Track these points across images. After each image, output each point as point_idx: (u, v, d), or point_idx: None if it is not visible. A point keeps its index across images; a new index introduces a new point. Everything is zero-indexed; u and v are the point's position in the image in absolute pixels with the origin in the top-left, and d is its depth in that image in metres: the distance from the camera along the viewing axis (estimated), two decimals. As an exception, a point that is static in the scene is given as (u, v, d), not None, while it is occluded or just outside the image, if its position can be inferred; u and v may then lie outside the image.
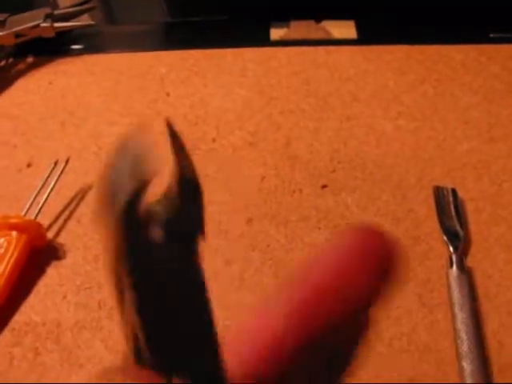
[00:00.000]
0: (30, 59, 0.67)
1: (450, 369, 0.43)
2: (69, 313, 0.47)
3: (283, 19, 0.69)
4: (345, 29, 0.67)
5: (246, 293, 0.47)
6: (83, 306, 0.47)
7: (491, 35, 0.66)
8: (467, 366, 0.42)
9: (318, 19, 0.69)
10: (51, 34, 0.66)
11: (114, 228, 0.16)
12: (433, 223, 0.51)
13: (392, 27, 0.68)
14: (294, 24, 0.68)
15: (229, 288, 0.48)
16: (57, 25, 0.65)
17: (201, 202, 0.19)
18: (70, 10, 0.68)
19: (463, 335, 0.44)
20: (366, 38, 0.67)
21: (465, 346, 0.43)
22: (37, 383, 0.44)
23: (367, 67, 0.63)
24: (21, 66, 0.66)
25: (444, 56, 0.64)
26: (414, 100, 0.60)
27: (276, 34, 0.67)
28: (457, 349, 0.44)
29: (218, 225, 0.51)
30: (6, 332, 0.46)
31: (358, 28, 0.67)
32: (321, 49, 0.65)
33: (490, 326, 0.45)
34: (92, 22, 0.67)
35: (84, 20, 0.68)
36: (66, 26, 0.66)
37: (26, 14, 0.65)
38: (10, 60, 0.67)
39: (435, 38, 0.66)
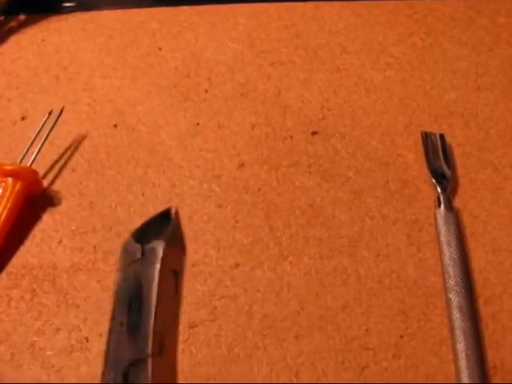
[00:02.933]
0: (22, 17, 0.67)
1: (437, 301, 0.44)
2: (65, 256, 0.48)
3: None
4: (334, -16, 0.68)
5: (238, 233, 0.49)
6: (79, 249, 0.48)
7: (479, -11, 0.67)
8: (454, 298, 0.44)
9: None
10: (43, -9, 0.66)
11: None
12: (421, 167, 0.52)
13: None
14: (284, -20, 0.69)
15: (223, 229, 0.49)
16: (49, -19, 0.66)
17: None
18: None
19: (450, 270, 0.45)
20: (355, -7, 0.67)
21: (452, 279, 0.44)
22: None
23: (356, 21, 0.64)
24: (13, 24, 0.66)
25: (433, 10, 0.65)
26: (402, 52, 0.61)
27: (266, -11, 0.68)
28: (444, 283, 0.45)
29: (212, 170, 0.52)
30: (4, 275, 0.47)
31: (348, -17, 0.68)
32: (310, 4, 0.66)
33: (477, 263, 0.46)
34: (84, -21, 0.68)
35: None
36: (57, -17, 0.67)
37: (18, -29, 0.65)
38: (2, 18, 0.67)
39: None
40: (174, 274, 0.46)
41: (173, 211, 0.49)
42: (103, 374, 0.39)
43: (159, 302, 0.43)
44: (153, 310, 0.42)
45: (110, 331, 0.42)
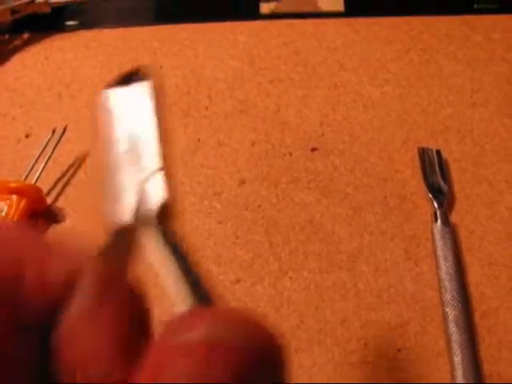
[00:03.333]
0: (26, 35, 0.68)
1: (434, 315, 0.45)
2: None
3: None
4: (332, 2, 0.69)
5: (239, 249, 0.49)
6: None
7: (475, 6, 0.68)
8: (450, 311, 0.44)
9: (307, -7, 0.70)
10: (47, 10, 0.67)
11: None
12: (418, 183, 0.53)
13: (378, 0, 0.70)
14: (283, -2, 0.70)
15: (223, 245, 0.50)
16: (52, 0, 0.67)
17: None
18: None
19: (447, 284, 0.46)
20: (353, 10, 0.68)
21: (448, 293, 0.45)
22: None
23: (354, 38, 0.65)
24: (17, 42, 0.68)
25: (429, 26, 0.66)
26: (399, 68, 0.62)
27: (266, 7, 0.69)
28: (441, 297, 0.46)
29: (212, 187, 0.53)
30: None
31: (346, 1, 0.69)
32: (309, 21, 0.67)
33: (473, 277, 0.47)
34: (86, -2, 0.69)
35: (78, -4, 0.70)
36: (60, 2, 0.68)
37: (22, -9, 0.67)
38: (6, 36, 0.68)
39: (421, 9, 0.68)
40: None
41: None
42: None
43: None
44: None
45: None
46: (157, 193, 0.20)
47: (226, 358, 0.16)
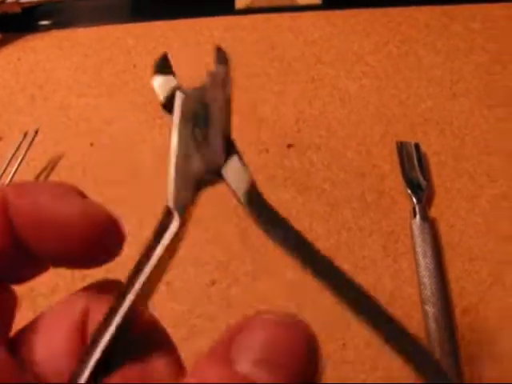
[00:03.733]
0: (-3, 36, 0.67)
1: (414, 313, 0.44)
2: (44, 277, 0.48)
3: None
4: (309, -5, 0.68)
5: (213, 247, 0.49)
6: (56, 273, 0.48)
7: (454, -4, 0.67)
8: (430, 309, 0.44)
9: (283, -14, 0.69)
10: (17, 10, 0.66)
11: None
12: (397, 177, 0.52)
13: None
14: (258, -8, 0.69)
15: (199, 242, 0.49)
16: (23, 0, 0.66)
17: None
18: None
19: (426, 280, 0.45)
20: (330, 3, 0.67)
21: (428, 290, 0.44)
22: None
23: (332, 31, 0.64)
24: (-12, 44, 0.67)
25: (407, 17, 0.65)
26: (377, 60, 0.61)
27: (241, 2, 0.68)
28: (420, 294, 0.45)
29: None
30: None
31: (322, -7, 0.68)
32: (285, 15, 0.66)
33: (453, 272, 0.46)
34: (58, -3, 0.68)
35: (50, -5, 0.68)
36: (32, 2, 0.67)
37: (-8, -9, 0.66)
38: (-22, 38, 0.67)
39: (399, 0, 0.67)
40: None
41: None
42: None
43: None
44: None
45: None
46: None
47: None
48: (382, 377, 0.42)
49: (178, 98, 0.21)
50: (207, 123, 0.21)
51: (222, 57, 0.23)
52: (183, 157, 0.20)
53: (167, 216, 0.20)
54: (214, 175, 0.21)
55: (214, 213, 0.50)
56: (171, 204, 0.20)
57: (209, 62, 0.62)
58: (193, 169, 0.20)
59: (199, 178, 0.20)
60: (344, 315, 0.43)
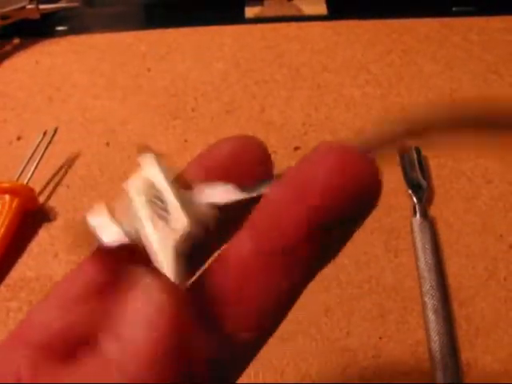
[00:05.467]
0: (16, 41, 0.70)
1: (414, 305, 0.47)
2: (60, 268, 0.50)
3: (257, -2, 0.73)
4: (315, 5, 0.71)
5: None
6: (74, 262, 0.51)
7: (453, 9, 0.70)
8: (429, 301, 0.46)
9: (290, -3, 0.73)
10: (36, 16, 0.69)
11: None
12: (398, 179, 0.54)
13: (360, 3, 0.72)
14: (267, 2, 0.72)
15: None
16: (42, 7, 0.69)
17: None
18: (54, -8, 0.71)
19: (426, 275, 0.48)
20: (335, 13, 0.70)
21: (427, 284, 0.47)
22: None
23: (337, 40, 0.67)
24: (7, 48, 0.69)
25: (410, 29, 0.68)
26: (380, 69, 0.64)
27: (250, 12, 0.71)
28: (420, 287, 0.47)
29: (199, 185, 0.55)
30: (2, 287, 0.49)
31: (328, 4, 0.71)
32: (293, 24, 0.69)
33: (451, 268, 0.49)
34: (75, 4, 0.71)
35: (68, 2, 0.71)
36: (50, 8, 0.70)
37: (12, -3, 0.68)
38: (-2, 42, 0.70)
39: (401, 12, 0.70)
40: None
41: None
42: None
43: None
44: None
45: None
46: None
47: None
48: (383, 364, 0.45)
49: (128, 187, 0.22)
50: (163, 199, 0.22)
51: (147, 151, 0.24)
52: (156, 232, 0.21)
53: None
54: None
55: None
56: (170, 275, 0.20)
57: (219, 67, 0.65)
58: (167, 238, 0.21)
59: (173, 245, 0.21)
60: (347, 305, 0.46)
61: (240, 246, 0.21)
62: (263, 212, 0.21)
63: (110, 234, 0.21)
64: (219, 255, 0.22)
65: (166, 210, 0.21)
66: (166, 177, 0.22)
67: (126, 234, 0.21)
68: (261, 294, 0.21)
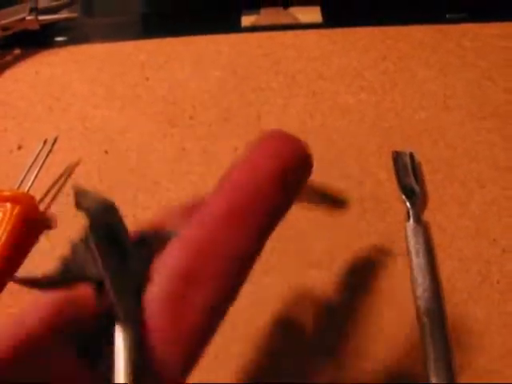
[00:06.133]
0: (16, 51, 0.71)
1: (408, 308, 0.48)
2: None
3: (253, 7, 0.73)
4: (311, 14, 0.72)
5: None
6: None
7: (447, 15, 0.71)
8: (423, 304, 0.47)
9: (286, 6, 0.73)
10: (36, 27, 0.70)
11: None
12: (392, 185, 0.55)
13: (355, 11, 0.73)
14: (263, 11, 0.73)
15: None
16: (41, 17, 0.70)
17: None
18: (53, 3, 0.72)
19: (419, 278, 0.48)
20: (330, 21, 0.71)
21: (420, 287, 0.48)
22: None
23: (332, 48, 0.68)
24: (8, 58, 0.70)
25: (404, 35, 0.69)
26: (375, 76, 0.65)
27: (247, 20, 0.72)
28: (413, 291, 0.48)
29: (197, 192, 0.56)
30: (5, 294, 0.50)
31: (323, 12, 0.72)
32: (289, 33, 0.70)
33: (444, 271, 0.50)
34: (74, 15, 0.72)
35: (67, 13, 0.72)
36: (49, 19, 0.71)
37: (12, 8, 0.69)
38: (-2, 52, 0.71)
39: (396, 19, 0.71)
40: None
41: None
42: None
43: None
44: None
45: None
46: None
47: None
48: (378, 366, 0.45)
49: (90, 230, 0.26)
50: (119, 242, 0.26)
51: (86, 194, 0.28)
52: (116, 276, 0.24)
53: (122, 329, 0.23)
54: None
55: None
56: (122, 318, 0.23)
57: (217, 75, 0.66)
58: (126, 282, 0.24)
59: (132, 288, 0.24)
60: (343, 310, 0.47)
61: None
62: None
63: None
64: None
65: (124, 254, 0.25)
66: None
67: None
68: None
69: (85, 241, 0.25)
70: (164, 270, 0.24)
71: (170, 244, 0.25)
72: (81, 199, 0.26)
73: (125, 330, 0.22)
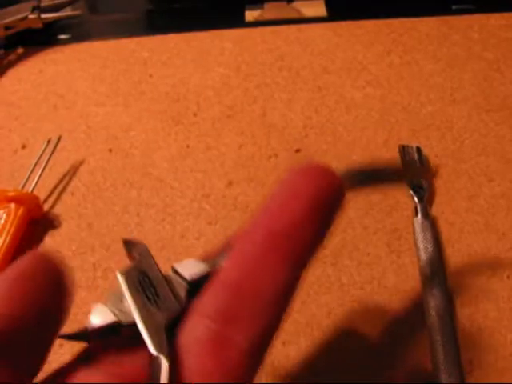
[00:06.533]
0: (20, 50, 0.71)
1: (416, 305, 0.47)
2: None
3: (257, 2, 0.73)
4: (315, 8, 0.71)
5: (228, 248, 0.51)
6: (79, 268, 0.51)
7: (453, 7, 0.70)
8: (432, 301, 0.46)
9: (290, 0, 0.73)
10: (39, 25, 0.70)
11: None
12: (399, 178, 0.55)
13: (360, 4, 0.72)
14: (267, 6, 0.73)
15: (213, 244, 0.52)
16: (44, 16, 0.69)
17: None
18: (56, 1, 0.72)
19: (428, 274, 0.48)
20: (335, 15, 0.71)
21: (429, 283, 0.47)
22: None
23: (337, 42, 0.67)
24: (11, 57, 0.70)
25: (409, 28, 0.68)
26: (381, 70, 0.64)
27: (250, 15, 0.71)
28: (422, 287, 0.48)
29: (201, 190, 0.55)
30: (9, 295, 0.50)
31: (328, 6, 0.71)
32: (293, 27, 0.69)
33: (453, 267, 0.49)
34: (77, 12, 0.72)
35: (69, 10, 0.72)
36: (52, 17, 0.70)
37: (14, 7, 0.69)
38: (1, 51, 0.70)
39: (401, 11, 0.70)
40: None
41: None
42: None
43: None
44: None
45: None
46: None
47: None
48: (385, 364, 0.45)
49: (121, 279, 0.26)
50: (153, 284, 0.26)
51: (132, 244, 0.29)
52: (146, 315, 0.25)
53: (155, 361, 0.23)
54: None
55: (226, 213, 0.53)
56: (153, 351, 0.23)
57: (220, 72, 0.65)
58: (157, 319, 0.25)
59: (164, 325, 0.25)
60: (349, 307, 0.46)
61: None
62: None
63: (101, 316, 0.25)
64: None
65: (156, 294, 0.26)
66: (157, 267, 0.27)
67: (116, 316, 0.25)
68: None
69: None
70: (204, 308, 0.25)
71: (209, 282, 0.26)
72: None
73: (161, 361, 0.23)
